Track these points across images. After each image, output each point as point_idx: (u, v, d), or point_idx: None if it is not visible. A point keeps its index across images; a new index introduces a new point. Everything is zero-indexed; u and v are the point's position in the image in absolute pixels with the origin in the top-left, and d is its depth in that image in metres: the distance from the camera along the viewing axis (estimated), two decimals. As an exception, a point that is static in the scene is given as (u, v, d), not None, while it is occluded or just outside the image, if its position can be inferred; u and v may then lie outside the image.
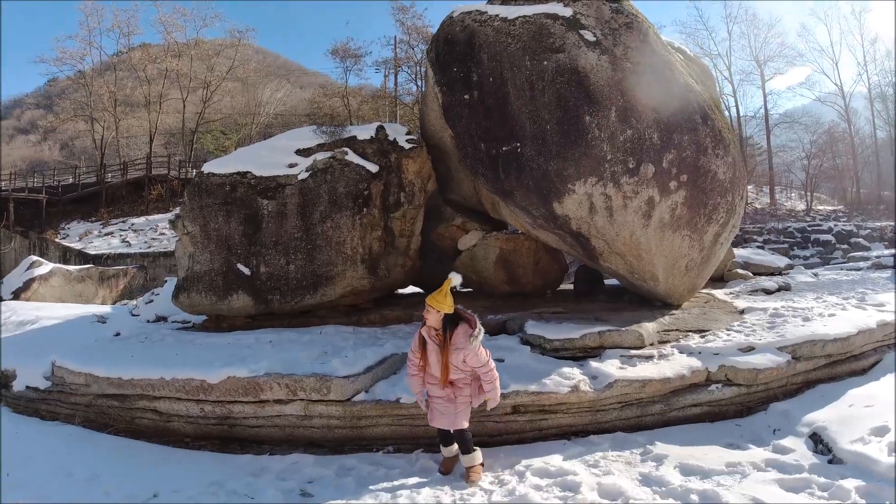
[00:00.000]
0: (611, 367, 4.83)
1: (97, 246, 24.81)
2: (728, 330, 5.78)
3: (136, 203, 30.21)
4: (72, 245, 24.55)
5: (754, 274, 9.86)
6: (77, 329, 7.31)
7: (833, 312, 6.12)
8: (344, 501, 3.63)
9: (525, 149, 6.07)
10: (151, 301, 8.61)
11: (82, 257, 22.15)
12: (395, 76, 33.42)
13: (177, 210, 6.80)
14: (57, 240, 25.00)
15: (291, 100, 43.75)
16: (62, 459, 4.42)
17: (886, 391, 4.78)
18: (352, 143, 7.02)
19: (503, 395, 4.46)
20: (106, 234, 26.52)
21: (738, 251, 11.10)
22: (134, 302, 9.94)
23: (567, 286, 8.89)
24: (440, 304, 3.89)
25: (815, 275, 10.24)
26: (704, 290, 7.98)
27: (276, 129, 34.28)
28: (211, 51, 35.38)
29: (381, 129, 7.33)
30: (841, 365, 5.47)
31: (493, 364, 4.01)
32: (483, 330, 4.01)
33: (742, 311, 6.68)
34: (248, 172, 6.65)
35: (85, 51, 33.84)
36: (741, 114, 34.15)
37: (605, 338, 5.29)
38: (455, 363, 3.90)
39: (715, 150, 5.95)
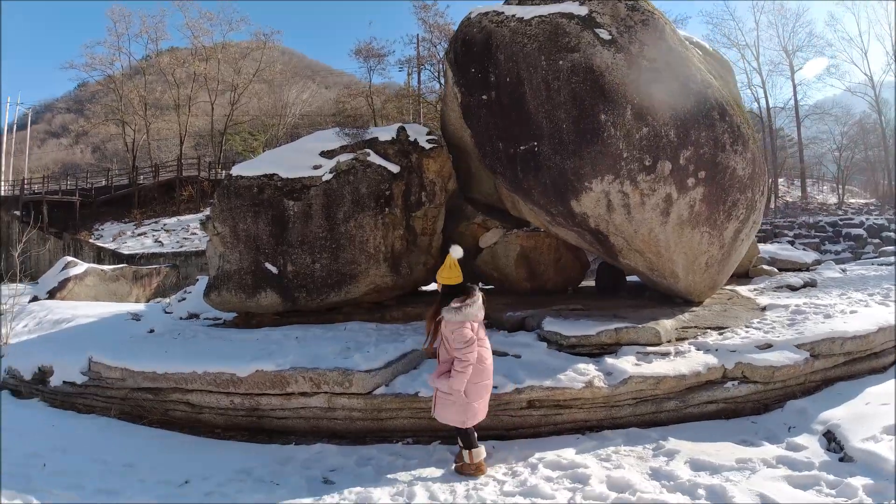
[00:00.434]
0: (626, 363, 4.88)
1: (130, 246, 25.60)
2: (747, 327, 5.75)
3: (167, 204, 31.03)
4: (106, 245, 25.42)
5: (781, 270, 9.69)
6: (112, 326, 7.63)
7: (855, 309, 6.02)
8: (362, 488, 3.78)
9: (542, 148, 6.14)
10: (184, 299, 8.91)
11: (116, 257, 22.93)
12: (419, 74, 33.62)
13: (207, 211, 7.06)
14: (91, 240, 25.88)
15: (317, 100, 44.34)
16: (98, 449, 4.64)
17: (904, 389, 4.70)
18: (374, 144, 7.17)
19: (518, 390, 4.58)
20: (139, 235, 27.35)
21: (764, 247, 10.94)
22: (167, 300, 10.26)
23: (589, 283, 8.92)
24: (443, 279, 4.10)
25: (844, 270, 10.04)
26: (728, 287, 7.93)
27: (303, 129, 34.84)
28: (238, 54, 36.13)
29: (402, 129, 7.48)
30: (861, 363, 5.40)
31: (472, 355, 3.84)
32: (475, 305, 3.93)
33: (764, 308, 6.61)
34: (274, 174, 6.84)
35: (114, 56, 35.06)
36: (770, 105, 33.43)
37: (622, 334, 5.33)
38: (446, 335, 3.94)
39: (733, 146, 5.93)
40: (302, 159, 7.12)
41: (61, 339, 7.10)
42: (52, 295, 12.25)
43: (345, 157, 6.90)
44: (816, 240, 18.73)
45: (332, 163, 6.90)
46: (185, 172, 32.84)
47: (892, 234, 18.63)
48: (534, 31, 6.17)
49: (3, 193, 30.93)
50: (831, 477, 3.54)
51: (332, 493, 3.73)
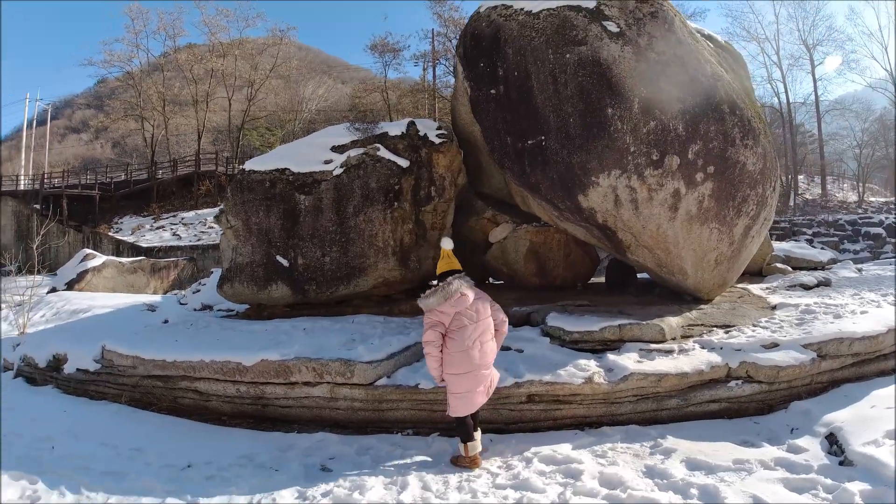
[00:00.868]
0: (628, 360, 4.86)
1: (149, 239, 26.01)
2: (755, 326, 5.68)
3: (185, 198, 31.41)
4: (124, 238, 25.86)
5: (795, 268, 9.53)
6: (128, 317, 7.80)
7: (866, 310, 5.91)
8: (357, 476, 3.85)
9: (549, 142, 6.12)
10: (198, 291, 9.08)
11: (135, 250, 23.31)
12: (434, 69, 33.56)
13: (222, 205, 7.19)
14: (110, 234, 26.35)
15: (333, 95, 44.59)
16: (108, 434, 4.79)
17: (912, 392, 4.59)
18: (384, 139, 7.21)
19: (518, 385, 4.60)
20: (157, 228, 27.75)
21: (778, 245, 10.76)
22: (182, 292, 10.45)
23: (599, 279, 8.88)
24: (438, 269, 4.26)
25: (860, 270, 9.84)
26: (740, 285, 7.83)
27: (319, 124, 34.97)
28: (254, 50, 36.42)
29: (412, 124, 7.49)
30: (869, 364, 5.30)
31: (429, 342, 3.96)
32: (442, 293, 3.98)
33: (774, 307, 6.52)
34: (286, 169, 6.92)
35: (132, 53, 35.39)
36: (791, 100, 32.80)
37: (625, 331, 5.31)
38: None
39: (743, 140, 5.85)
40: (313, 154, 7.19)
41: (76, 329, 7.28)
42: (70, 286, 12.49)
43: (355, 152, 6.96)
44: (835, 238, 18.39)
45: (342, 157, 6.96)
46: (203, 167, 33.19)
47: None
48: (542, 25, 6.14)
49: (23, 187, 31.52)
50: (829, 481, 3.47)
51: (327, 481, 3.80)
